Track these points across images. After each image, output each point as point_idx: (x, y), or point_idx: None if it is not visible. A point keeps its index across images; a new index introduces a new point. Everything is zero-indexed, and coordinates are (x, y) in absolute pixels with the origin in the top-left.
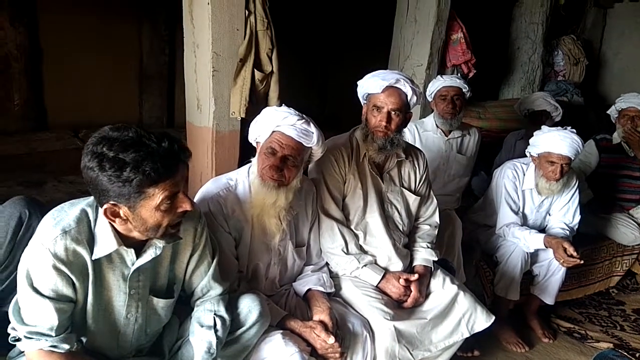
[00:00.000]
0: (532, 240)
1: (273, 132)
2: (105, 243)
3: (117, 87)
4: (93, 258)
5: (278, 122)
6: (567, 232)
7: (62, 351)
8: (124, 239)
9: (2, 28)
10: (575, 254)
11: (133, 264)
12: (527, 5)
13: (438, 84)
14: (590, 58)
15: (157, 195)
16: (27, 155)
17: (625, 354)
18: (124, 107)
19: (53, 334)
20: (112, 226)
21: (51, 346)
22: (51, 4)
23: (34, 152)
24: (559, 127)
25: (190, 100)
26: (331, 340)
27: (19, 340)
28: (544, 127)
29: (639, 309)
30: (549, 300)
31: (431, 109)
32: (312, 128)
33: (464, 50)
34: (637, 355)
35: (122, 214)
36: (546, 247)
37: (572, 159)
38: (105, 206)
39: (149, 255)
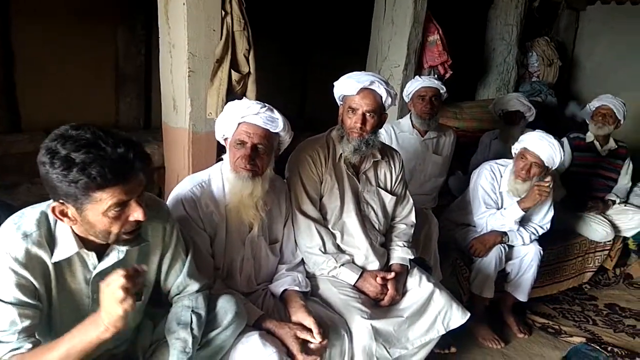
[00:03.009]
0: (509, 213)
1: (239, 124)
2: (65, 246)
3: (93, 89)
4: (53, 261)
5: (242, 113)
6: (535, 229)
7: (25, 351)
8: (85, 242)
9: None
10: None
11: (95, 268)
12: (501, 7)
13: (417, 84)
14: (563, 59)
15: (104, 201)
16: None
17: (598, 347)
18: (100, 109)
19: (15, 339)
20: (72, 229)
21: (12, 349)
22: (24, 6)
23: (7, 154)
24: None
25: (166, 101)
26: (318, 339)
27: None
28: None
29: (611, 303)
30: (522, 297)
31: (408, 110)
32: (276, 114)
33: (440, 51)
34: (609, 348)
35: (70, 215)
36: (524, 209)
37: (545, 162)
38: (54, 204)
39: (111, 259)
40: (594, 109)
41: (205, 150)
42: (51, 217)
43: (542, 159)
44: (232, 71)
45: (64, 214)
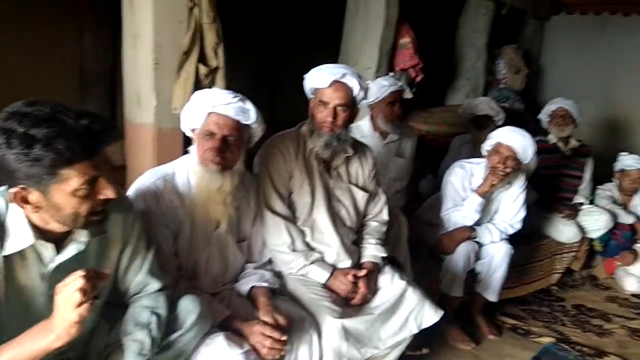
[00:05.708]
0: (468, 202)
1: (208, 114)
2: (19, 236)
3: (56, 91)
4: (4, 254)
5: (213, 103)
6: (505, 227)
7: None
8: (41, 232)
9: None
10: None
11: (52, 262)
12: (471, 14)
13: (384, 90)
14: (530, 67)
15: (72, 179)
16: None
17: (567, 347)
18: None
19: None
20: (27, 217)
21: None
22: None
23: None
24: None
25: (129, 95)
26: (283, 337)
27: None
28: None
29: (578, 304)
30: (492, 297)
31: (370, 112)
32: (249, 105)
33: (411, 54)
34: (577, 347)
35: (33, 200)
36: (480, 194)
37: (519, 155)
38: (13, 190)
39: (70, 251)
40: (550, 112)
41: (170, 146)
42: (1, 205)
43: (516, 151)
44: (200, 65)
45: (25, 200)
